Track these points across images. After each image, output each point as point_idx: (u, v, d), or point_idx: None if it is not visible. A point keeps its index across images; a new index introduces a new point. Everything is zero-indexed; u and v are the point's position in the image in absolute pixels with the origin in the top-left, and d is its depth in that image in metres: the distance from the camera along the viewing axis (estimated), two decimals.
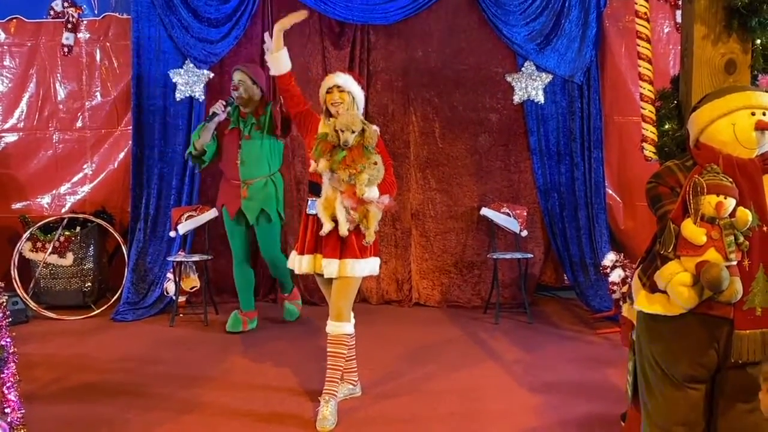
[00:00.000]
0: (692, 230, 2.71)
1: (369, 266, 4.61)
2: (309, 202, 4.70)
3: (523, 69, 7.09)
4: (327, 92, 4.72)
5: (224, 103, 6.18)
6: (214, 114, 6.16)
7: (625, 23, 6.93)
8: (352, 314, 4.71)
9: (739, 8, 3.14)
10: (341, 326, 4.57)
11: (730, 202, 2.70)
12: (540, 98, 7.09)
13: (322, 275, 4.62)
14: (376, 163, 4.39)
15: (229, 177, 6.38)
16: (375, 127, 4.55)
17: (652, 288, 2.87)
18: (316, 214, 4.58)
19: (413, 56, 7.29)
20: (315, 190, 4.64)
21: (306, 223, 4.71)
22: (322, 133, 4.49)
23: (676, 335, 2.83)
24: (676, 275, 2.73)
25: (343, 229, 4.45)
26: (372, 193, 4.43)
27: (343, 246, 4.54)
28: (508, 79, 7.15)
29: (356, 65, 7.21)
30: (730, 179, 2.74)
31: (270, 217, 6.37)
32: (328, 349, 4.60)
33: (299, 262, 4.69)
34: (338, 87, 4.68)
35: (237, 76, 6.27)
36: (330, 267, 4.53)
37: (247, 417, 4.49)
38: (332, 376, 4.56)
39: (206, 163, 6.42)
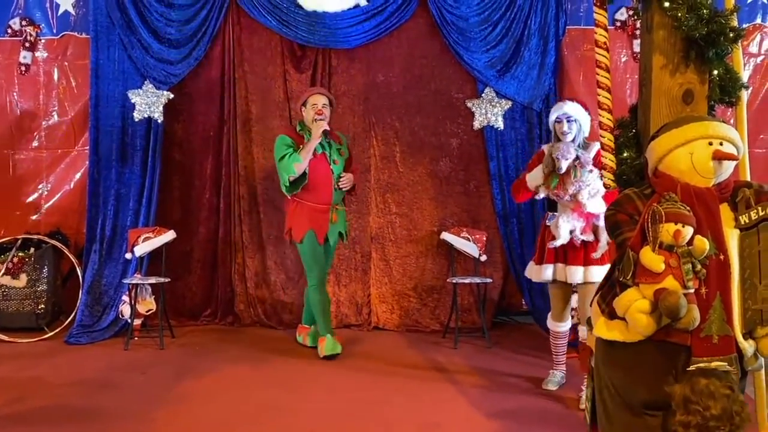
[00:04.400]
0: (651, 258, 2.73)
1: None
2: (549, 215, 5.26)
3: (483, 95, 7.15)
4: (556, 121, 5.17)
5: (325, 122, 6.18)
6: (326, 131, 6.16)
7: (583, 52, 7.04)
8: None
9: (697, 39, 3.19)
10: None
11: (688, 231, 2.73)
12: (500, 124, 7.14)
13: (557, 282, 5.21)
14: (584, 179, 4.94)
15: (315, 201, 6.25)
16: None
17: (611, 315, 2.89)
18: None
19: (375, 81, 7.31)
20: (552, 206, 5.26)
21: (544, 234, 5.26)
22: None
23: (634, 362, 2.85)
24: (635, 302, 2.75)
25: (557, 242, 5.07)
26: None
27: (585, 254, 5.06)
28: (469, 104, 7.20)
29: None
30: (688, 208, 2.77)
31: (344, 238, 6.53)
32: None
33: (538, 271, 5.27)
34: (567, 117, 5.11)
35: (321, 100, 6.27)
36: (577, 274, 5.05)
37: None
38: None
39: (300, 187, 6.23)
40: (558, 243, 5.09)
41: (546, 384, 5.42)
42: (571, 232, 5.07)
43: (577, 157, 4.93)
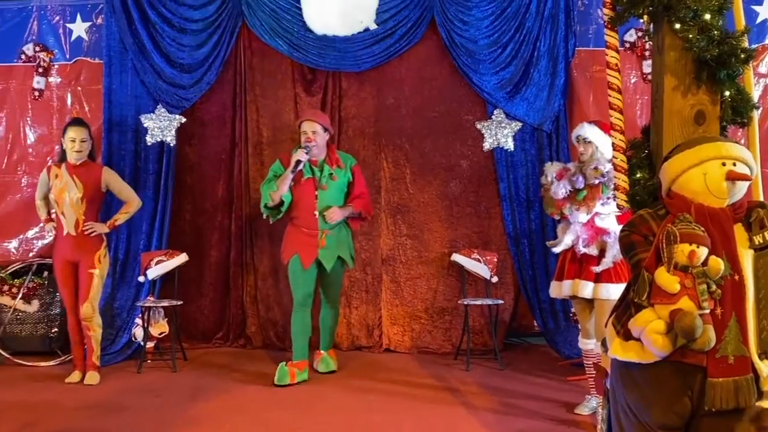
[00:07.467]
0: (666, 278, 2.73)
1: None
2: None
3: (492, 117, 7.18)
4: (576, 141, 5.28)
5: (305, 150, 6.10)
6: (299, 162, 6.09)
7: (593, 73, 7.06)
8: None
9: (708, 61, 3.20)
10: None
11: (703, 251, 2.73)
12: (510, 146, 7.16)
13: (577, 298, 5.21)
14: (609, 198, 4.98)
15: (303, 226, 6.26)
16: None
17: (626, 336, 2.88)
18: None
19: (384, 103, 7.36)
20: None
21: (565, 252, 5.28)
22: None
23: (650, 383, 2.84)
24: (650, 323, 2.75)
25: (558, 248, 5.28)
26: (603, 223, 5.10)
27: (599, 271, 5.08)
28: (478, 126, 7.22)
29: (328, 112, 7.25)
30: (702, 228, 2.77)
31: (344, 263, 6.42)
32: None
33: (557, 287, 5.31)
34: (583, 138, 5.19)
35: (310, 127, 6.20)
36: (586, 289, 5.09)
37: None
38: None
39: (282, 214, 6.30)
40: (559, 248, 5.23)
41: (579, 408, 5.32)
42: (574, 241, 5.15)
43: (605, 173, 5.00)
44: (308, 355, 6.35)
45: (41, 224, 7.01)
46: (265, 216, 6.43)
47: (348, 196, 6.42)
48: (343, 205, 6.36)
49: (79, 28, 7.33)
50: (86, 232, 6.11)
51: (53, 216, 6.33)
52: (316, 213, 6.22)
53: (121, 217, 6.29)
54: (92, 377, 6.18)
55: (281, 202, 6.20)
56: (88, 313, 6.12)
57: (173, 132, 7.18)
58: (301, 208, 6.26)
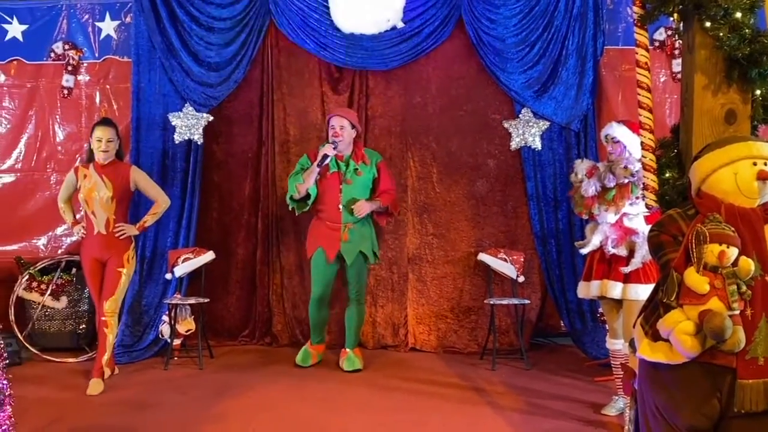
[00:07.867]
0: (695, 279, 2.71)
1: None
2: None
3: (520, 116, 7.14)
4: (605, 140, 5.26)
5: (333, 145, 6.32)
6: (326, 156, 6.30)
7: (622, 72, 7.02)
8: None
9: (739, 59, 3.18)
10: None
11: (733, 251, 2.71)
12: (537, 145, 7.12)
13: (605, 298, 5.18)
14: (637, 198, 4.92)
15: (327, 219, 6.48)
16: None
17: (655, 336, 2.86)
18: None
19: (411, 102, 7.34)
20: None
21: (593, 252, 5.25)
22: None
23: (678, 384, 2.82)
24: (679, 324, 2.72)
25: (586, 249, 5.25)
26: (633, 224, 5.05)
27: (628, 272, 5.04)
28: (506, 125, 7.19)
29: (354, 110, 7.23)
30: (733, 228, 2.75)
31: (366, 257, 6.55)
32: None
33: (585, 288, 5.28)
34: (612, 138, 5.18)
35: (338, 122, 6.42)
36: (615, 289, 5.06)
37: None
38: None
39: (308, 207, 6.51)
40: (588, 249, 5.22)
41: (606, 409, 5.28)
42: (603, 242, 5.12)
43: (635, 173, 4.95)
44: (324, 340, 6.81)
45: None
46: (291, 208, 6.58)
47: (373, 192, 6.55)
48: (369, 199, 6.49)
49: (108, 27, 7.38)
50: (116, 234, 6.10)
51: (80, 217, 6.35)
52: (341, 206, 6.41)
53: (150, 219, 6.28)
54: (96, 385, 5.87)
55: (307, 195, 6.38)
56: (112, 308, 6.03)
57: (201, 130, 7.20)
58: (326, 201, 6.45)
